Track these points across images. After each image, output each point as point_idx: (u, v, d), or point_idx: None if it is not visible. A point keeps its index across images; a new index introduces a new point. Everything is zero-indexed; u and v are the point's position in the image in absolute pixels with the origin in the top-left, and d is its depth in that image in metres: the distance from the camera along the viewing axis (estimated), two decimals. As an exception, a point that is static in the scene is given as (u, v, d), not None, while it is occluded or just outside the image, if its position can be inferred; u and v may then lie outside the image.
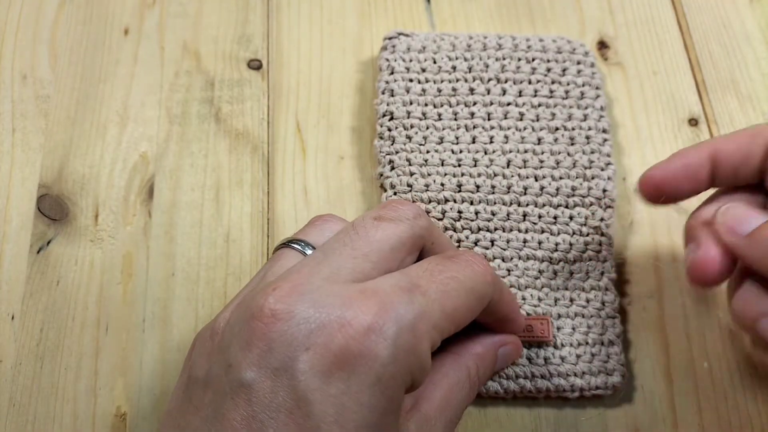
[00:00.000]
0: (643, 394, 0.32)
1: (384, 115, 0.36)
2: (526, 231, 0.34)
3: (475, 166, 0.34)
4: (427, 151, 0.35)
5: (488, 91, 0.36)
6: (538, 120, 0.36)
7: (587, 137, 0.35)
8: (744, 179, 0.27)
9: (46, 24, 0.40)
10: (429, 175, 0.34)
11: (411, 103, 0.36)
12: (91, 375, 0.32)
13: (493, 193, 0.34)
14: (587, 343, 0.32)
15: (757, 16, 0.41)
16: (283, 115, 0.38)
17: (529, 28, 0.41)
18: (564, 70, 0.37)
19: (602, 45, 0.41)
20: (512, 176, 0.34)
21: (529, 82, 0.36)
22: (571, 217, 0.34)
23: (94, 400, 0.32)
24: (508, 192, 0.34)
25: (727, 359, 0.33)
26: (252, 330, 0.22)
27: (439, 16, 0.41)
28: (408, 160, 0.35)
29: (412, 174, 0.34)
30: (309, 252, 0.27)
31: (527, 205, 0.34)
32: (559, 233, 0.34)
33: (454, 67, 0.37)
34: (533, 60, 0.37)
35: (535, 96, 0.36)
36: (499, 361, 0.29)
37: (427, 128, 0.35)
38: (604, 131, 0.36)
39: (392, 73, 0.37)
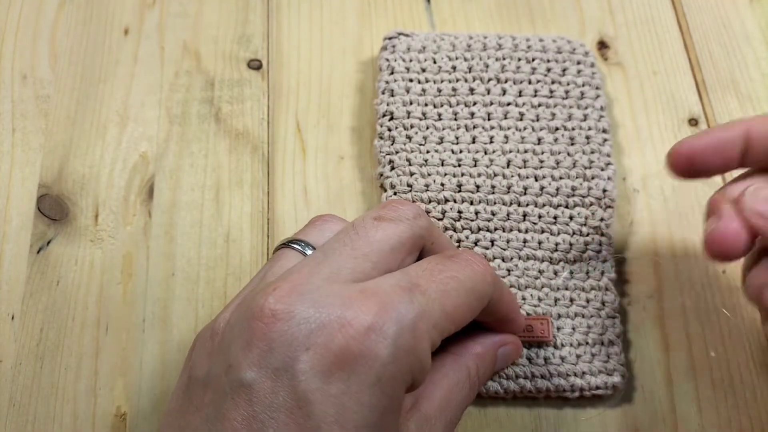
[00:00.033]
0: (643, 394, 0.32)
1: (384, 115, 0.36)
2: (526, 231, 0.34)
3: (475, 166, 0.34)
4: (427, 151, 0.35)
5: (488, 91, 0.36)
6: (538, 120, 0.36)
7: (587, 137, 0.35)
8: None
9: (46, 24, 0.40)
10: (429, 175, 0.34)
11: (411, 103, 0.36)
12: (91, 375, 0.32)
13: (493, 193, 0.34)
14: (587, 343, 0.32)
15: (757, 16, 0.41)
16: (283, 115, 0.38)
17: (529, 28, 0.41)
18: (564, 70, 0.37)
19: (602, 45, 0.40)
20: (512, 176, 0.34)
21: (529, 82, 0.36)
22: (571, 217, 0.34)
23: (94, 400, 0.32)
24: (508, 192, 0.34)
25: (727, 359, 0.33)
26: (252, 330, 0.22)
27: (439, 16, 0.41)
28: (408, 160, 0.35)
29: (412, 174, 0.34)
30: (309, 252, 0.27)
31: (527, 205, 0.34)
32: (559, 233, 0.34)
33: (454, 67, 0.37)
34: (533, 60, 0.37)
35: (535, 96, 0.36)
36: (499, 361, 0.29)
37: (427, 128, 0.35)
38: (604, 131, 0.36)
39: (392, 73, 0.37)
